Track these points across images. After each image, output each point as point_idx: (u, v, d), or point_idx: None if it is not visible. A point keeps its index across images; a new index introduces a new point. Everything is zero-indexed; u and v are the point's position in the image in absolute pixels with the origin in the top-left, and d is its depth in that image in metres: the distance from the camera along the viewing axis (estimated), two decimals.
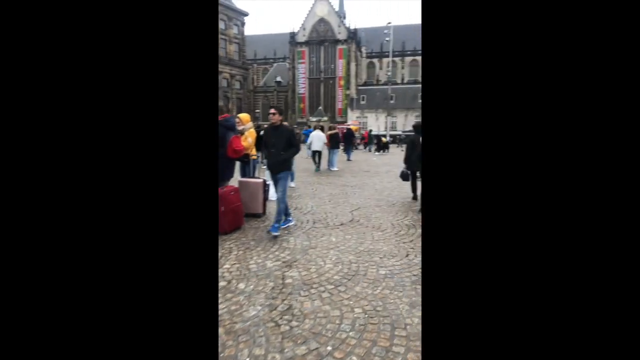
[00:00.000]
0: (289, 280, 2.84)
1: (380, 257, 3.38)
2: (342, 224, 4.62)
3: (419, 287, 2.73)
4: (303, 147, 12.55)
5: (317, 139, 10.76)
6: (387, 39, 35.43)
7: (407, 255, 3.44)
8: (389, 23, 35.70)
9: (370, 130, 26.57)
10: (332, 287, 2.73)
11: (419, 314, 2.31)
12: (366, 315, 2.30)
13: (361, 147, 25.28)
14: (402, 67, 57.87)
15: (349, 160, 14.74)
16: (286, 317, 2.27)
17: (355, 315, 2.30)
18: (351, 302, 2.48)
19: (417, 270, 3.05)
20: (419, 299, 2.53)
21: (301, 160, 12.39)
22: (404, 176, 6.07)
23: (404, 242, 3.87)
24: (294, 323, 2.20)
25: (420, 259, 3.35)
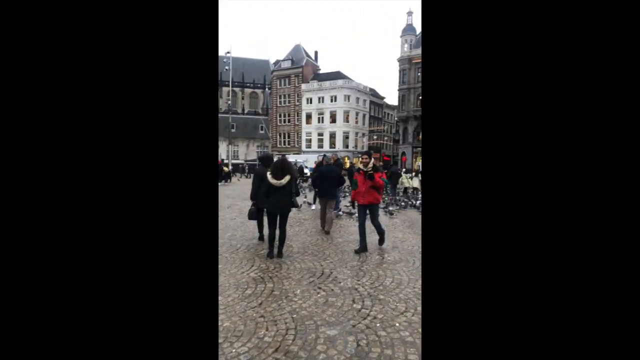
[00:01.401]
0: None
1: (220, 342, 2.43)
2: None
3: None
4: None
5: None
6: (226, 67, 35.03)
7: (255, 332, 2.60)
8: (228, 53, 35.53)
9: (223, 160, 24.87)
10: None
11: None
12: None
13: None
14: (243, 98, 58.68)
15: None
16: None
17: None
18: None
19: (270, 357, 2.26)
20: None
21: None
22: (252, 215, 5.32)
23: (251, 308, 3.03)
24: None
25: (273, 332, 2.59)
